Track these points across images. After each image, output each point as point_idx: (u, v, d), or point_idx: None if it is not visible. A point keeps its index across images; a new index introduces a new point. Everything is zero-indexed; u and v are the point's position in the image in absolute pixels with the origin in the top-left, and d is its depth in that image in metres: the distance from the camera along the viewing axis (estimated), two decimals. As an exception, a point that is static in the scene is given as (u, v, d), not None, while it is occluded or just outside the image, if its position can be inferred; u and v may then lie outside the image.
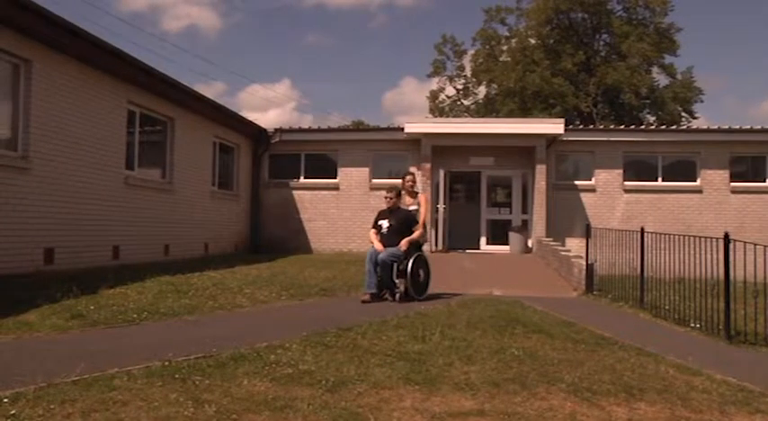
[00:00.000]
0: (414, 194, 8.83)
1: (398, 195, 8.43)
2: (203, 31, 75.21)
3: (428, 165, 15.55)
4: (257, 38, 77.49)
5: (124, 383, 3.41)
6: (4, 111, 8.23)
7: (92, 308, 5.95)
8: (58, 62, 8.89)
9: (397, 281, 7.74)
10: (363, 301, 7.51)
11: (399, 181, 9.09)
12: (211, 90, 77.74)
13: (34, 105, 8.40)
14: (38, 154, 8.45)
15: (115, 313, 5.85)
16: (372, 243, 8.08)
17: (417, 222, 8.25)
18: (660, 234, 7.91)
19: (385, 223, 8.16)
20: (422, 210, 8.64)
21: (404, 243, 7.87)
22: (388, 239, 7.97)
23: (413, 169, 16.42)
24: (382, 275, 7.74)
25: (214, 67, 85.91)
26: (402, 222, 8.12)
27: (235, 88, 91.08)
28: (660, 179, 16.42)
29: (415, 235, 8.06)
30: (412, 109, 74.49)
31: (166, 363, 3.85)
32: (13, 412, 2.89)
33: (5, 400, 3.02)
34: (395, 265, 7.73)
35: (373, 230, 8.26)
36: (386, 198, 8.32)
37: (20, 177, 8.16)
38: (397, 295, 7.69)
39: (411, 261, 7.81)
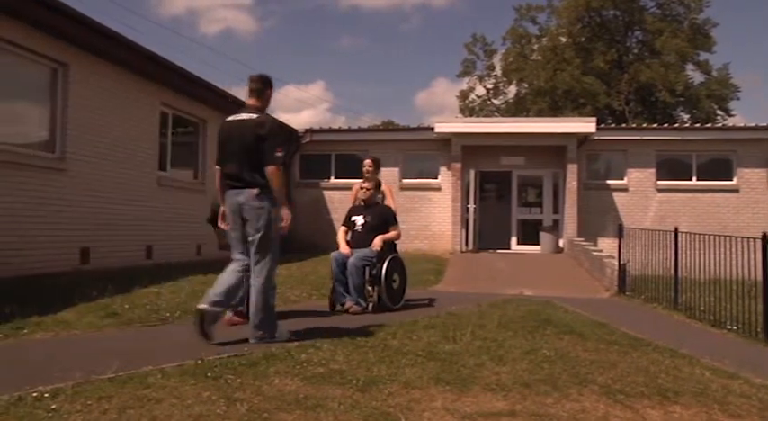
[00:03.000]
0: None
1: (377, 187, 7.29)
2: (239, 34, 76.27)
3: (458, 165, 15.50)
4: (292, 40, 78.20)
5: (158, 381, 3.46)
6: (43, 114, 8.43)
7: (126, 307, 6.05)
8: (94, 65, 9.07)
9: (369, 288, 6.72)
10: (349, 312, 6.47)
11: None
12: (246, 92, 78.49)
13: (71, 108, 8.59)
14: (74, 155, 8.64)
15: (149, 312, 5.95)
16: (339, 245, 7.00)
17: (396, 220, 7.21)
18: (695, 234, 7.77)
19: (359, 219, 7.03)
20: (389, 204, 7.51)
21: (378, 241, 6.79)
22: (362, 238, 6.89)
23: (443, 169, 16.43)
24: (352, 282, 6.57)
25: (249, 69, 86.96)
26: (379, 219, 7.03)
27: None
28: (695, 178, 16.12)
29: (392, 234, 7.05)
30: (444, 109, 74.47)
31: (199, 362, 3.89)
32: (53, 407, 2.96)
33: (46, 395, 3.09)
34: (367, 269, 6.69)
35: (343, 228, 7.14)
36: (362, 189, 7.20)
37: (57, 178, 8.34)
38: (370, 305, 6.65)
39: (386, 264, 6.78)
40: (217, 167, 4.80)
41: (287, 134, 4.24)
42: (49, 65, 8.41)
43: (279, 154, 4.59)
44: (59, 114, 8.50)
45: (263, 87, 4.82)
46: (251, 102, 4.81)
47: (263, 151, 4.54)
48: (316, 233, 16.67)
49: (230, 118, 4.81)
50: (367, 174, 7.39)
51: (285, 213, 4.80)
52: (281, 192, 4.70)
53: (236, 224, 4.70)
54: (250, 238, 4.64)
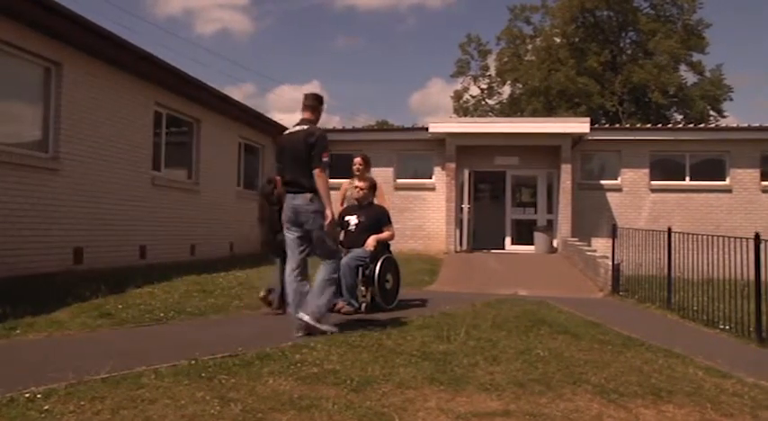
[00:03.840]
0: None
1: (372, 187, 7.23)
2: (235, 34, 76.42)
3: (452, 165, 15.51)
4: (287, 40, 78.49)
5: (152, 381, 3.45)
6: (36, 114, 8.38)
7: (120, 307, 6.04)
8: (88, 65, 9.03)
9: (362, 288, 6.63)
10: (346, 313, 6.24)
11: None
12: (241, 92, 78.83)
13: (64, 107, 8.55)
14: (68, 155, 8.60)
15: (142, 312, 5.93)
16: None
17: (390, 221, 7.14)
18: (688, 234, 7.80)
19: (353, 219, 6.95)
20: (380, 202, 7.39)
21: (371, 240, 6.73)
22: (355, 238, 6.80)
23: (437, 169, 16.43)
24: (345, 282, 6.35)
25: (244, 69, 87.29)
26: (374, 219, 6.97)
27: (263, 89, 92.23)
28: (688, 178, 16.18)
29: (386, 234, 6.99)
30: (438, 109, 74.58)
31: (193, 362, 3.89)
32: (46, 408, 2.95)
33: (39, 396, 3.08)
34: (360, 270, 6.59)
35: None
36: (356, 188, 7.13)
37: (50, 178, 8.30)
38: (363, 305, 6.54)
39: (379, 264, 6.71)
40: (278, 178, 5.50)
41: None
42: (43, 64, 8.36)
43: (325, 159, 5.11)
44: (53, 114, 8.44)
45: (316, 104, 5.46)
46: (306, 115, 5.39)
47: (312, 157, 5.09)
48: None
49: (286, 132, 5.45)
50: (357, 173, 7.35)
51: (327, 212, 5.19)
52: (326, 193, 5.14)
53: (291, 225, 5.19)
54: (310, 237, 5.18)
